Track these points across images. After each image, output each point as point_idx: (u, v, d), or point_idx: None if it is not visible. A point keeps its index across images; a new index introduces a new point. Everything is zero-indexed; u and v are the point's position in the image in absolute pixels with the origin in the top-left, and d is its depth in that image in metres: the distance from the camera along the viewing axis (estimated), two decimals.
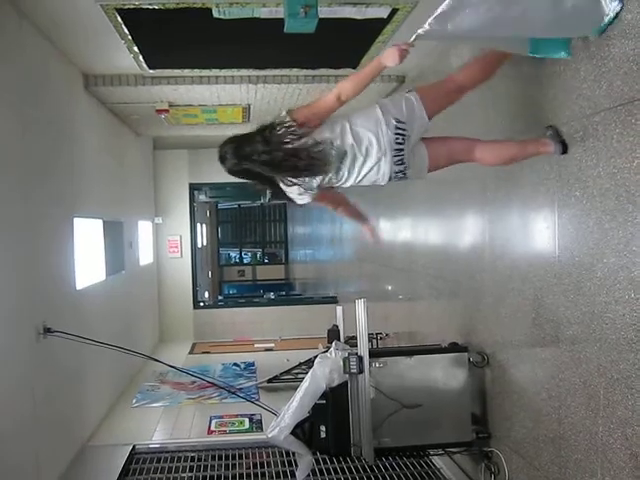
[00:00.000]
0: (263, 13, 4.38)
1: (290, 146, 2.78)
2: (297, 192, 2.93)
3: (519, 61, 3.67)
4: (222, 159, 2.91)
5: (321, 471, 4.91)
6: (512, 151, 3.20)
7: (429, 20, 2.42)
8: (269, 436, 3.89)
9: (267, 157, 2.78)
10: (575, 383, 3.14)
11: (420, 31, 2.45)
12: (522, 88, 3.69)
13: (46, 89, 5.09)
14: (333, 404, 3.98)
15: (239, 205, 23.19)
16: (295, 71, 6.15)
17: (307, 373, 4.05)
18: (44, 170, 4.93)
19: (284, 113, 2.84)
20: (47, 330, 4.59)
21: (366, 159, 2.89)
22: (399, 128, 2.88)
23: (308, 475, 4.19)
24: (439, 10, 2.39)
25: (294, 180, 2.85)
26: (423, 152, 3.01)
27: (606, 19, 2.68)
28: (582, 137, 2.99)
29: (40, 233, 4.77)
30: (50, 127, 5.17)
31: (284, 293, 12.15)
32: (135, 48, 5.20)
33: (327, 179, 2.93)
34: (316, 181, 2.90)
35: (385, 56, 2.66)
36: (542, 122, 3.38)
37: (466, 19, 2.41)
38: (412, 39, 2.51)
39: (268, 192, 3.28)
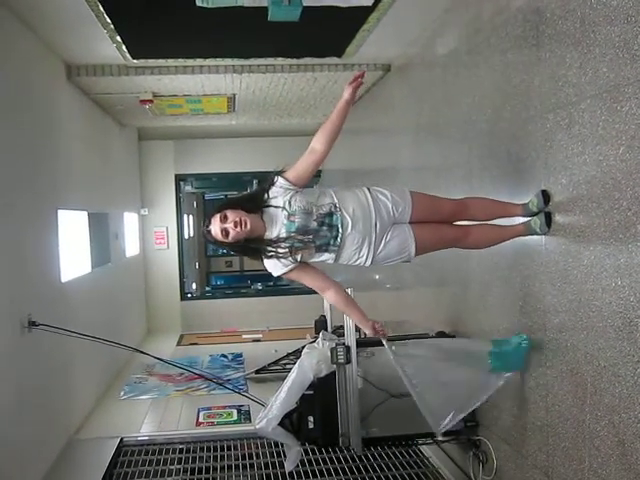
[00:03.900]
0: (246, 1, 4.32)
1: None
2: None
3: (504, 49, 3.67)
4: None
5: (310, 461, 4.91)
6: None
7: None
8: (257, 427, 3.87)
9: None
10: (562, 371, 3.14)
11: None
12: (508, 77, 3.67)
13: (28, 80, 5.02)
14: (321, 394, 3.97)
15: (226, 196, 23.02)
16: (280, 60, 6.09)
17: (295, 364, 4.04)
18: (26, 162, 4.87)
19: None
20: (32, 323, 4.55)
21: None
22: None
23: (297, 465, 4.19)
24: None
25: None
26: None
27: None
28: (568, 124, 2.98)
29: (24, 226, 4.72)
30: (32, 119, 5.10)
31: (272, 283, 12.06)
32: (118, 37, 5.13)
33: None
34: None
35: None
36: (528, 110, 3.37)
37: None
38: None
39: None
